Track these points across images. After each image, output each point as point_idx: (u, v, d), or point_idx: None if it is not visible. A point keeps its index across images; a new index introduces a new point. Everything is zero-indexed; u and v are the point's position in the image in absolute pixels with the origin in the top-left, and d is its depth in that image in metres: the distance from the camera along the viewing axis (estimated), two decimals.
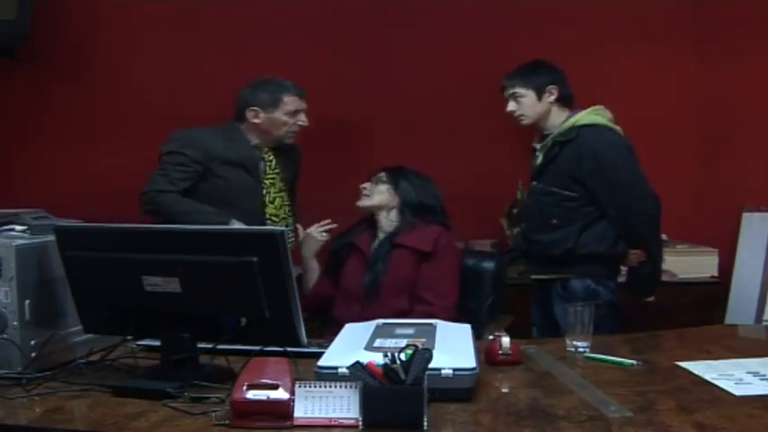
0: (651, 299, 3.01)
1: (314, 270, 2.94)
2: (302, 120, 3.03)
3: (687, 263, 3.51)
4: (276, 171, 3.07)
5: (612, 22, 3.68)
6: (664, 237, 3.53)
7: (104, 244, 1.89)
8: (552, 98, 2.94)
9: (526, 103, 2.94)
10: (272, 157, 3.07)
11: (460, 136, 3.70)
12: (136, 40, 3.75)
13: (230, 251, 1.78)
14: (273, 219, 3.04)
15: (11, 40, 3.50)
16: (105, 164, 3.71)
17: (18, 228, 2.03)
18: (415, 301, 2.74)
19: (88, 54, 3.77)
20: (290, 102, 3.00)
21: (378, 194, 2.88)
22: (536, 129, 3.02)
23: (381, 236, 2.86)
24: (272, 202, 3.04)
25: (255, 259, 1.75)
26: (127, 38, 3.75)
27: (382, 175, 2.91)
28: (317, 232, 2.95)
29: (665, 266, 3.48)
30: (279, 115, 2.99)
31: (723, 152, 3.63)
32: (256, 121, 3.00)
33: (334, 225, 2.97)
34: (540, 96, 2.93)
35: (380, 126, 3.74)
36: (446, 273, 2.79)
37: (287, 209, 3.09)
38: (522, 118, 2.97)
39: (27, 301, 1.87)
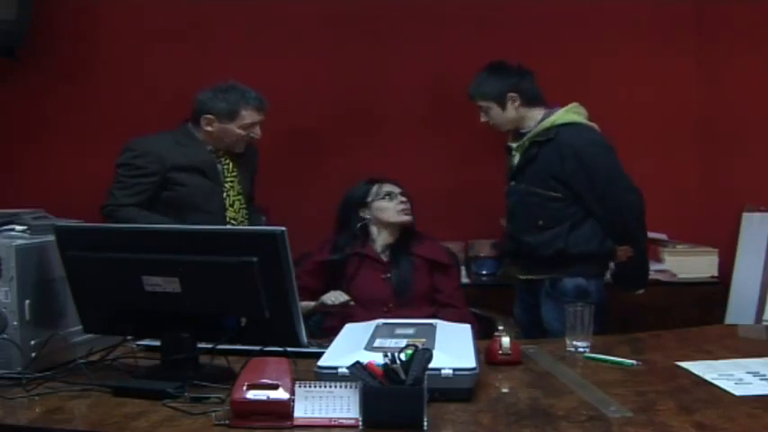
0: (641, 291, 2.99)
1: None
2: (255, 132, 2.97)
3: (687, 263, 3.51)
4: (234, 174, 3.04)
5: (613, 22, 3.68)
6: (664, 236, 3.55)
7: (104, 244, 1.89)
8: (516, 104, 2.90)
9: (494, 115, 2.93)
10: (228, 161, 3.03)
11: (460, 135, 3.69)
12: (136, 40, 3.74)
13: (230, 251, 1.78)
14: (233, 222, 3.00)
15: (11, 40, 3.49)
16: (105, 164, 3.68)
17: (18, 228, 2.03)
18: (440, 307, 2.79)
19: (88, 54, 3.77)
20: (248, 116, 2.94)
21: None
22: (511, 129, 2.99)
23: (388, 245, 2.86)
24: (232, 206, 3.02)
25: (255, 259, 1.75)
26: (127, 38, 3.75)
27: (403, 191, 2.90)
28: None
29: (665, 266, 3.50)
30: (233, 127, 2.94)
31: (723, 152, 3.63)
32: (209, 128, 2.95)
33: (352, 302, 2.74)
34: (503, 106, 2.90)
35: (380, 126, 3.74)
36: (459, 282, 2.98)
37: (244, 212, 3.07)
38: (497, 127, 2.96)
39: (27, 301, 1.87)
